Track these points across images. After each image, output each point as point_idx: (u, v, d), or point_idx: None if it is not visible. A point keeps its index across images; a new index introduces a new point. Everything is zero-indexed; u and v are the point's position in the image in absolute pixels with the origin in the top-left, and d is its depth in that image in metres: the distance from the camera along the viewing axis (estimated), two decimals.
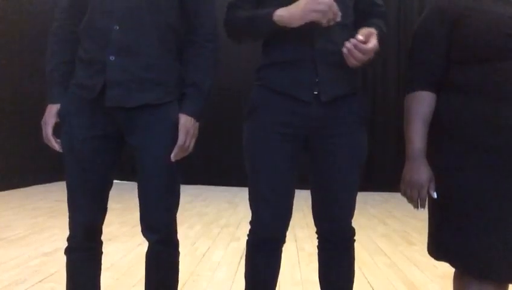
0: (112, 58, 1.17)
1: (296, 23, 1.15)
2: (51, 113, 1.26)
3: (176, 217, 1.31)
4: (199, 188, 5.92)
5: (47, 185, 5.58)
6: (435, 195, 1.12)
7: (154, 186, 1.23)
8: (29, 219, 3.59)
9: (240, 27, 1.27)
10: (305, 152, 1.30)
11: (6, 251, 2.67)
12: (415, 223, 3.91)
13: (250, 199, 1.31)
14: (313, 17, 1.12)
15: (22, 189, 5.22)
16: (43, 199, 4.58)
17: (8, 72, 5.05)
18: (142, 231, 1.29)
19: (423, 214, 4.54)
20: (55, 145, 1.26)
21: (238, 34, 1.31)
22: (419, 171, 1.12)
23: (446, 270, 2.51)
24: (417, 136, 1.15)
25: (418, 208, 1.14)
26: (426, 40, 1.17)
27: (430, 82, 1.16)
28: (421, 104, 1.15)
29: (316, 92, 1.21)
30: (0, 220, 3.52)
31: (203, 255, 2.73)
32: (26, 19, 5.30)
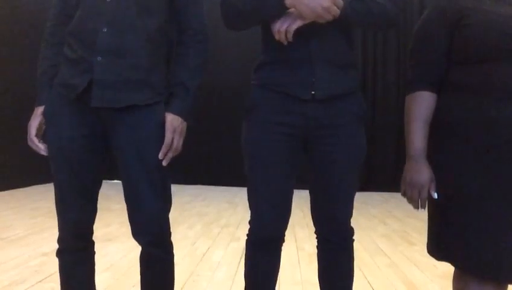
0: (99, 58, 1.16)
1: (303, 12, 1.13)
2: (36, 115, 1.26)
3: (168, 218, 1.28)
4: (199, 188, 5.93)
5: (47, 185, 5.58)
6: (435, 195, 1.12)
7: (142, 188, 1.21)
8: (29, 219, 3.59)
9: (242, 6, 1.21)
10: (304, 152, 1.30)
11: (6, 251, 2.67)
12: (415, 223, 3.92)
13: (249, 199, 1.31)
14: (321, 18, 1.13)
15: (22, 189, 5.23)
16: (43, 199, 4.58)
17: (7, 72, 5.05)
18: (132, 234, 1.27)
19: (423, 214, 4.52)
20: (39, 146, 1.24)
21: (237, 14, 1.24)
22: (420, 171, 1.12)
23: (446, 270, 2.51)
24: (417, 137, 1.14)
25: (418, 208, 1.14)
26: (427, 40, 1.16)
27: (431, 82, 1.16)
28: (422, 105, 1.15)
29: (313, 92, 1.22)
30: (0, 220, 3.52)
31: (203, 255, 2.73)
32: (25, 19, 5.30)
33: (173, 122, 1.22)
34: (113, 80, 1.17)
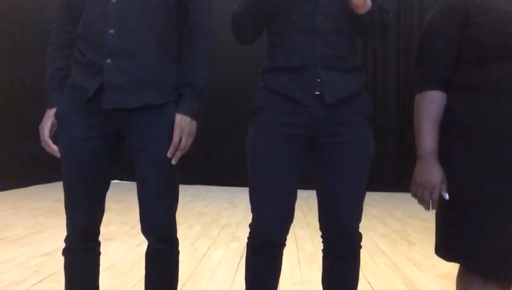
0: (108, 61, 1.18)
1: None
2: (48, 116, 1.27)
3: (175, 215, 1.31)
4: (199, 188, 5.92)
5: (47, 185, 5.58)
6: (447, 196, 1.09)
7: (153, 186, 1.24)
8: (29, 219, 3.59)
9: (242, 10, 1.25)
10: (309, 153, 1.29)
11: (6, 251, 2.67)
12: (415, 223, 3.91)
13: (251, 200, 1.30)
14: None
15: (22, 189, 5.22)
16: (43, 199, 4.58)
17: (8, 73, 5.05)
18: (141, 230, 1.30)
19: (423, 214, 4.52)
20: (53, 147, 1.26)
21: (241, 21, 1.27)
22: (431, 172, 1.10)
23: (446, 270, 2.51)
24: (428, 137, 1.12)
25: (429, 209, 1.11)
26: (436, 39, 1.15)
27: (440, 81, 1.14)
28: (431, 104, 1.13)
29: (317, 93, 1.21)
30: (0, 220, 3.52)
31: (203, 255, 2.73)
32: (26, 19, 5.30)
33: (181, 122, 1.23)
34: (124, 81, 1.19)
